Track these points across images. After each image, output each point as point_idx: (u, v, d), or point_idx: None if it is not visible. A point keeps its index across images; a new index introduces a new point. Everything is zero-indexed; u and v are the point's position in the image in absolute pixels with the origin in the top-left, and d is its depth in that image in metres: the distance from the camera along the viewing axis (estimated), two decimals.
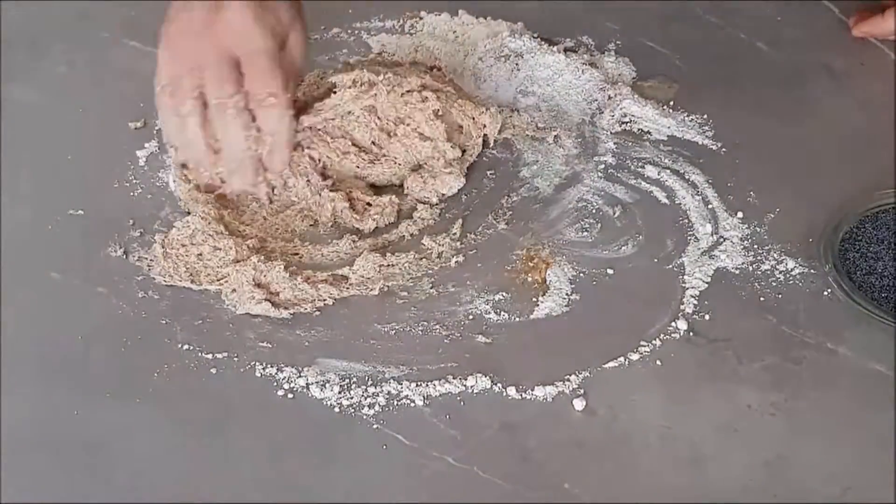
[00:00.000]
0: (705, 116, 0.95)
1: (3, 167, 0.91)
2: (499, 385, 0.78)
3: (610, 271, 0.85)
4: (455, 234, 0.87)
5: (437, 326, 0.82)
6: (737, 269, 0.84)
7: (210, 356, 0.80)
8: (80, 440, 0.76)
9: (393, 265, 0.85)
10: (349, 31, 1.02)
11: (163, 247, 0.84)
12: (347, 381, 0.78)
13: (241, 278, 0.82)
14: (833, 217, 0.86)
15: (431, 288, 0.84)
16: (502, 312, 0.82)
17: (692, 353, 0.79)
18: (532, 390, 0.78)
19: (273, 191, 0.88)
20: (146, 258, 0.85)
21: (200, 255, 0.84)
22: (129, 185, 0.91)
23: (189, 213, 0.87)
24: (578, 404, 0.76)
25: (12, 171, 0.91)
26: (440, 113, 0.88)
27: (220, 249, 0.84)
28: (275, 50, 0.81)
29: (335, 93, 0.89)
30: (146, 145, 0.93)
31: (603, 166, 0.92)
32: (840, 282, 0.82)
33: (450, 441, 0.75)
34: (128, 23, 1.03)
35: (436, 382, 0.78)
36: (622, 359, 0.79)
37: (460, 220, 0.88)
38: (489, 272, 0.85)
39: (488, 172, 0.91)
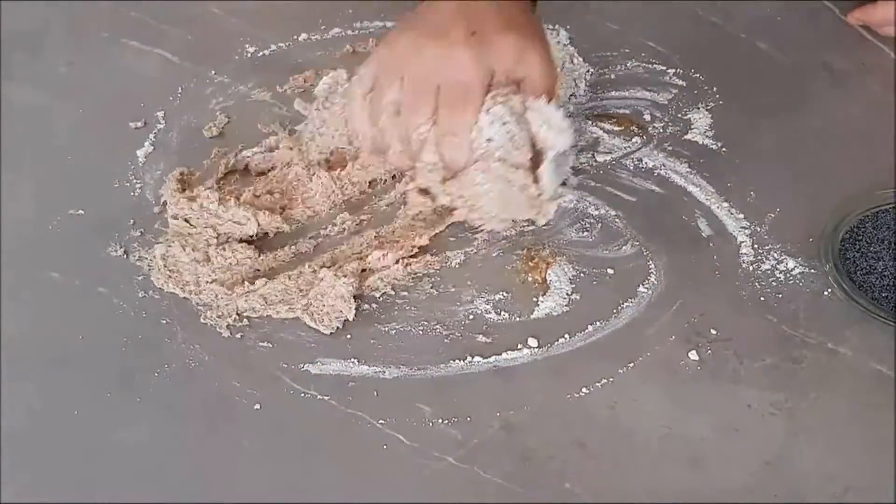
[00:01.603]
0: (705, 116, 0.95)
1: (3, 167, 0.91)
2: (499, 385, 0.78)
3: (610, 271, 0.85)
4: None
5: (438, 326, 0.82)
6: (737, 268, 0.84)
7: (210, 356, 0.80)
8: (80, 440, 0.76)
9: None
10: (349, 31, 1.02)
11: (163, 259, 0.84)
12: (347, 381, 0.79)
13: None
14: (833, 217, 0.86)
15: (431, 288, 0.84)
16: (502, 312, 0.82)
17: (692, 353, 0.79)
18: (533, 390, 0.78)
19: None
20: (146, 258, 0.85)
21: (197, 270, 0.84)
22: (129, 185, 0.91)
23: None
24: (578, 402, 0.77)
25: (12, 171, 0.91)
26: None
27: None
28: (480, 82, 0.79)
29: None
30: (146, 145, 0.93)
31: (603, 166, 0.92)
32: (840, 281, 0.82)
33: (450, 441, 0.75)
34: (128, 23, 1.03)
35: (436, 382, 0.78)
36: (623, 359, 0.79)
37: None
38: (489, 272, 0.85)
39: None
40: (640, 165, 0.91)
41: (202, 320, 0.82)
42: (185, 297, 0.83)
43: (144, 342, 0.81)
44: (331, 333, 0.81)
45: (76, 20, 1.04)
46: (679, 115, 0.95)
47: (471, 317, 0.82)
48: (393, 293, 0.83)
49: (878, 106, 0.95)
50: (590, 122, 0.94)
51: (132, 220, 0.88)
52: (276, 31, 1.01)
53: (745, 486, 0.73)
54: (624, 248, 0.86)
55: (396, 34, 0.83)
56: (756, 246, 0.86)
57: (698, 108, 0.95)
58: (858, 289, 0.82)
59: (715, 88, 0.96)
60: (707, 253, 0.85)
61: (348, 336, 0.81)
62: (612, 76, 0.98)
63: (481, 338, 0.81)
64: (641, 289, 0.83)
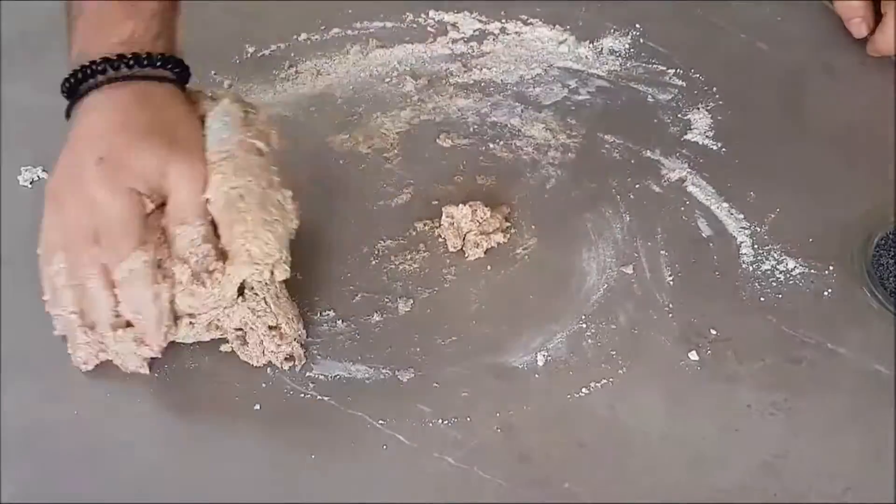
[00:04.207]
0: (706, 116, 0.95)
1: (4, 167, 0.91)
2: (499, 385, 0.78)
3: (610, 271, 0.85)
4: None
5: (438, 326, 0.81)
6: (737, 268, 0.84)
7: (210, 356, 0.80)
8: (80, 440, 0.76)
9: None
10: (349, 31, 1.02)
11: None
12: (347, 381, 0.79)
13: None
14: (838, 218, 0.86)
15: (432, 289, 0.84)
16: (502, 312, 0.82)
17: (692, 353, 0.79)
18: (533, 390, 0.78)
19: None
20: None
21: None
22: None
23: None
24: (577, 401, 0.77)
25: (12, 171, 0.91)
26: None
27: None
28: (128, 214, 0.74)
29: None
30: None
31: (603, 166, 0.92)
32: (873, 290, 0.81)
33: (450, 441, 0.75)
34: None
35: (435, 382, 0.78)
36: (623, 359, 0.79)
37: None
38: (489, 272, 0.85)
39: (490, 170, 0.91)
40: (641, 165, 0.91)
41: None
42: None
43: None
44: (329, 332, 0.81)
45: None
46: (679, 115, 0.95)
47: (471, 316, 0.82)
48: (392, 293, 0.83)
49: (878, 106, 0.95)
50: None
51: None
52: (276, 31, 1.01)
53: (745, 486, 0.73)
54: (624, 247, 0.86)
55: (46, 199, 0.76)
56: (756, 246, 0.86)
57: (698, 108, 0.95)
58: (890, 296, 0.81)
59: (715, 88, 0.96)
60: (707, 253, 0.85)
61: (348, 336, 0.81)
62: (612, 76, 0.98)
63: (482, 338, 0.81)
64: (641, 289, 0.83)
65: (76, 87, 0.77)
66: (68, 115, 0.79)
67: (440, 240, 0.86)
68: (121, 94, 0.76)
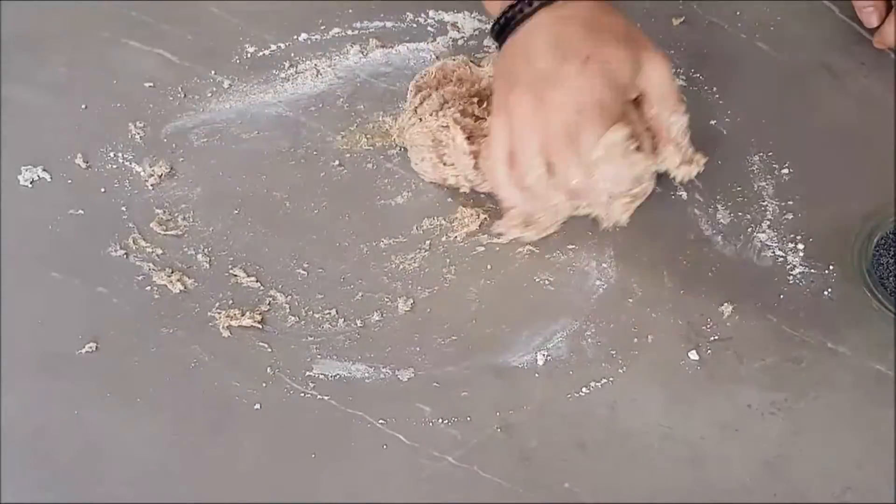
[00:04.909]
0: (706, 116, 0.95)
1: (4, 167, 0.91)
2: (499, 385, 0.78)
3: (610, 272, 0.85)
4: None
5: (438, 326, 0.82)
6: (737, 268, 0.84)
7: (210, 356, 0.80)
8: (80, 440, 0.76)
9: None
10: (349, 31, 1.02)
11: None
12: (347, 381, 0.79)
13: None
14: (838, 218, 0.86)
15: (432, 288, 0.84)
16: (503, 311, 0.82)
17: (692, 353, 0.79)
18: (533, 390, 0.78)
19: None
20: (148, 247, 0.85)
21: None
22: (129, 185, 0.91)
23: None
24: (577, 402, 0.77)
25: (12, 171, 0.91)
26: None
27: None
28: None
29: None
30: (146, 145, 0.93)
31: None
32: (873, 290, 0.81)
33: (450, 441, 0.75)
34: (128, 23, 1.03)
35: (435, 382, 0.78)
36: (623, 359, 0.79)
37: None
38: (489, 272, 0.85)
39: None
40: None
41: (202, 320, 0.82)
42: (183, 297, 0.83)
43: (144, 342, 0.81)
44: (329, 331, 0.81)
45: (76, 20, 1.04)
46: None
47: (471, 316, 0.82)
48: (392, 293, 0.83)
49: (878, 106, 0.94)
50: None
51: (132, 221, 0.88)
52: (276, 31, 1.01)
53: (745, 486, 0.73)
54: (624, 247, 0.86)
55: (507, 92, 0.79)
56: (757, 246, 0.86)
57: (699, 108, 0.95)
58: (890, 295, 0.81)
59: (715, 88, 0.96)
60: (707, 253, 0.85)
61: (348, 336, 0.81)
62: None
63: (482, 338, 0.81)
64: (641, 288, 0.83)
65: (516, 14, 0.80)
66: (502, 38, 0.82)
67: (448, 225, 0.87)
68: (576, 9, 0.80)
